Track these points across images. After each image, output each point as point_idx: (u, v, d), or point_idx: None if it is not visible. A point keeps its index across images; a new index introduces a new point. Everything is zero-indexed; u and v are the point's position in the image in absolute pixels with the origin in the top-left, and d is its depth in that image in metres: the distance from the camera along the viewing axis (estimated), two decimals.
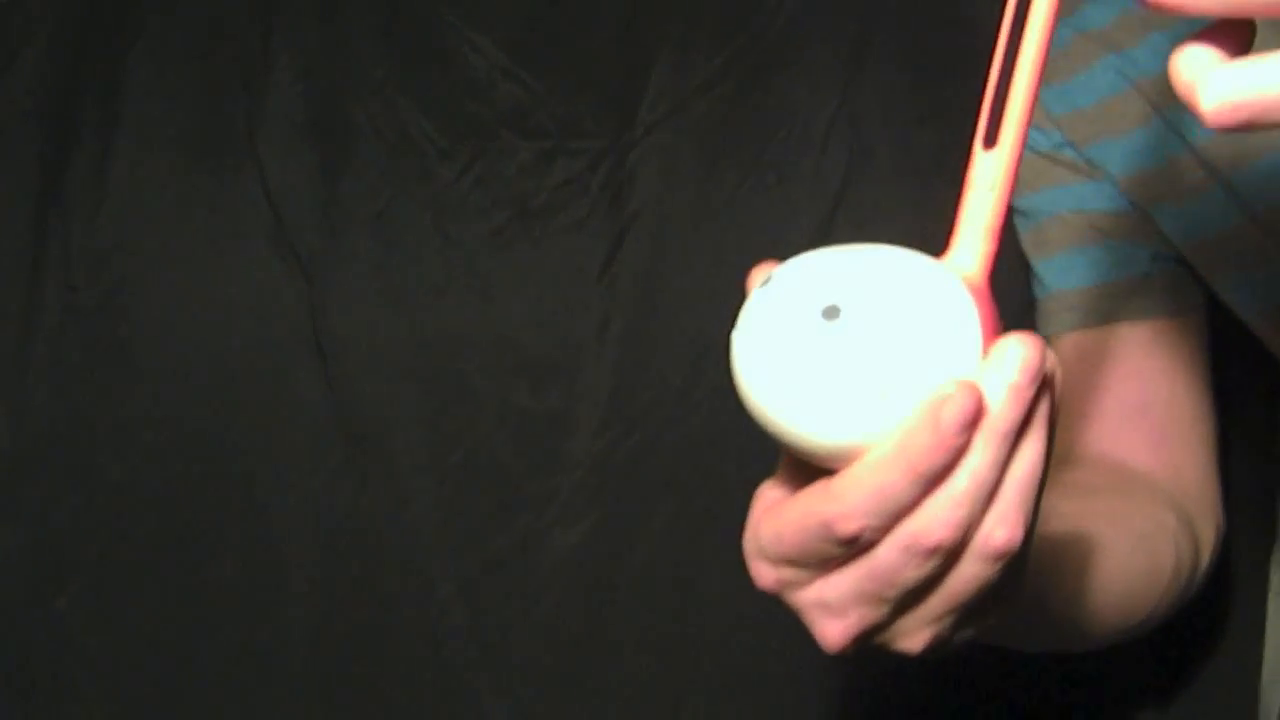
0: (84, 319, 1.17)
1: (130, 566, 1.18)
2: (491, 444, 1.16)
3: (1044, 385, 0.52)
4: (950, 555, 0.53)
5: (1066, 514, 0.83)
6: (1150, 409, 0.94)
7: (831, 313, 0.52)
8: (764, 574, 0.57)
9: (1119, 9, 0.92)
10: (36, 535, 1.18)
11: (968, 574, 0.54)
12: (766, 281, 0.56)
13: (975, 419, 0.50)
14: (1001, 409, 0.51)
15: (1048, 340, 0.98)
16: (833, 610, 0.56)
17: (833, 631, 0.57)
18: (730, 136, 1.16)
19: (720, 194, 1.15)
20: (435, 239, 1.17)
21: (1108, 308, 0.95)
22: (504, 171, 1.16)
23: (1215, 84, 0.46)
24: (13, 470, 1.18)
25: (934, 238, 1.16)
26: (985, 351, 0.53)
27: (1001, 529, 0.53)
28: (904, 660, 0.58)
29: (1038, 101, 0.95)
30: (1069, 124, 0.94)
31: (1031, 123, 0.95)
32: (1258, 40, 0.51)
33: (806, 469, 0.55)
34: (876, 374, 0.51)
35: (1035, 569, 0.73)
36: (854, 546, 0.53)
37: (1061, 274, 0.97)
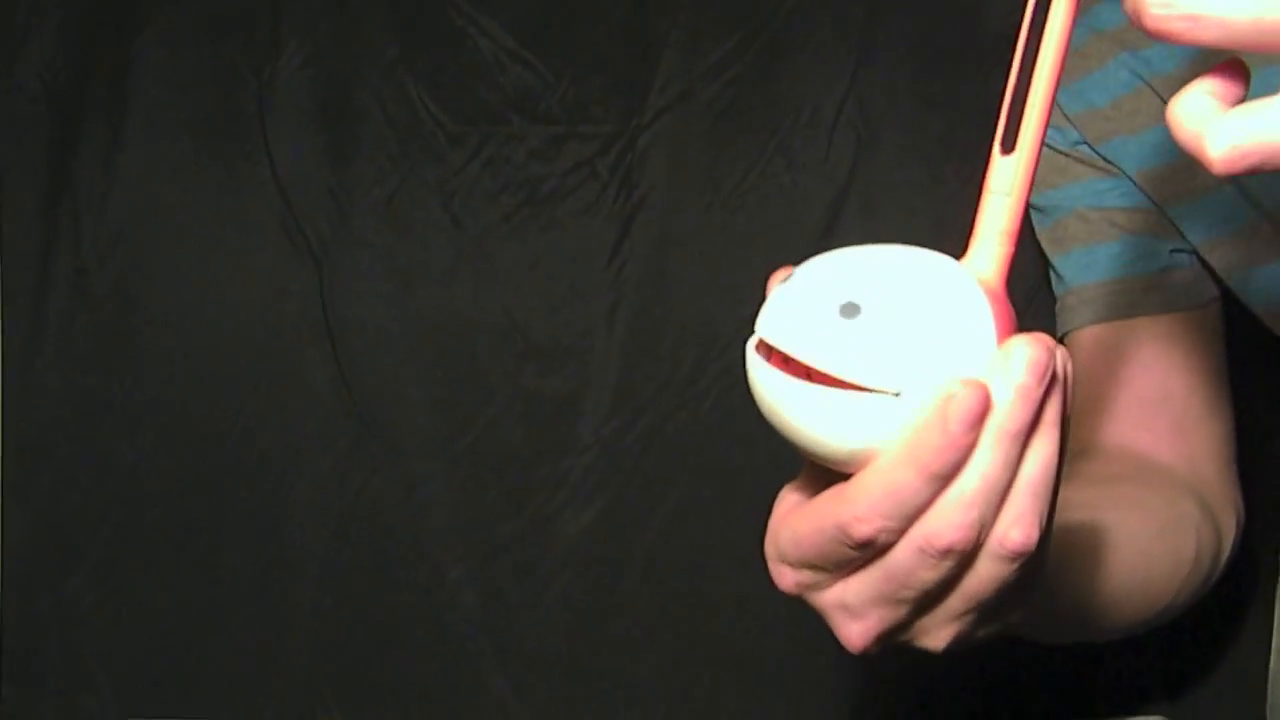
0: (94, 304, 1.18)
1: (140, 550, 1.18)
2: (501, 428, 1.17)
3: (1054, 385, 0.52)
4: (966, 556, 0.53)
5: (1087, 502, 0.83)
6: (1168, 401, 0.94)
7: (849, 310, 0.51)
8: (785, 576, 0.57)
9: None
10: (47, 518, 1.19)
11: (985, 574, 0.54)
12: (784, 281, 0.55)
13: (982, 417, 0.50)
14: (1009, 410, 0.50)
15: (1067, 335, 0.98)
16: (853, 611, 0.56)
17: (854, 632, 0.56)
18: (739, 121, 1.16)
19: (729, 179, 1.15)
20: (444, 223, 1.17)
21: (1126, 302, 0.95)
22: (513, 156, 1.16)
23: (1220, 134, 0.46)
24: (24, 454, 1.18)
25: (942, 221, 1.16)
26: None
27: (1017, 530, 0.52)
28: (926, 656, 0.58)
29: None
30: (1084, 122, 0.94)
31: (1050, 123, 0.95)
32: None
33: (825, 473, 0.54)
34: (890, 377, 0.51)
35: (1056, 560, 0.72)
36: (870, 549, 0.53)
37: (1080, 269, 0.97)
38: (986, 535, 0.52)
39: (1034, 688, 1.17)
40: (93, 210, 1.17)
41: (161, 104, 1.18)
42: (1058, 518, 0.77)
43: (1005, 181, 0.54)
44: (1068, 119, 0.95)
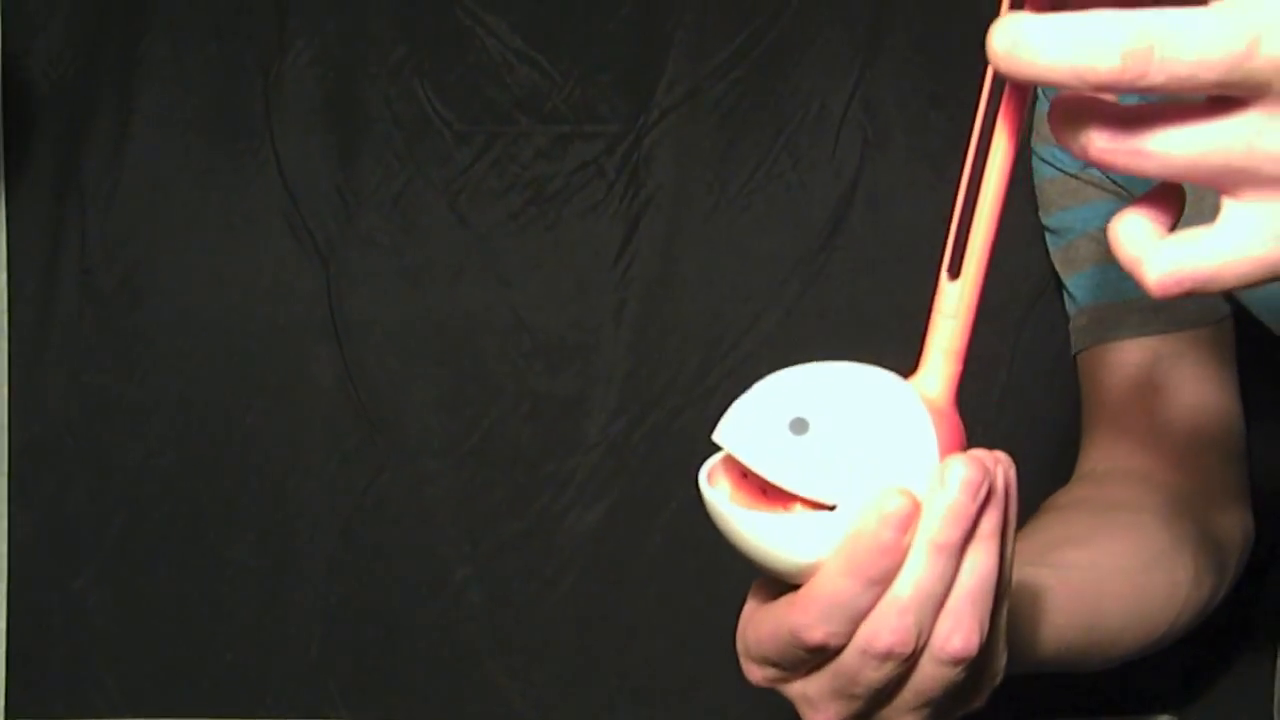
0: (100, 302, 1.18)
1: (146, 547, 1.18)
2: (508, 426, 1.17)
3: (991, 500, 0.55)
4: (910, 658, 0.56)
5: (1083, 537, 0.84)
6: (1178, 418, 0.95)
7: (798, 426, 0.55)
8: (753, 672, 0.62)
9: None
10: (54, 517, 1.19)
11: (931, 675, 0.57)
12: (743, 399, 0.59)
13: (909, 521, 0.53)
14: (940, 524, 0.54)
15: (1080, 354, 0.99)
16: (814, 704, 0.60)
17: None
18: (745, 120, 1.16)
19: (736, 178, 1.15)
20: (451, 222, 1.17)
21: (1137, 320, 0.96)
22: (520, 155, 1.16)
23: (1158, 261, 0.50)
24: (30, 451, 1.18)
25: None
26: None
27: (957, 637, 0.56)
28: None
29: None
30: None
31: (1061, 146, 0.96)
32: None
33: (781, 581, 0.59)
34: (832, 491, 0.54)
35: (1048, 608, 0.76)
36: (823, 652, 0.57)
37: (1092, 289, 0.98)
38: (927, 640, 0.56)
39: (1040, 688, 1.17)
40: (99, 208, 1.17)
41: (168, 102, 1.18)
42: (1051, 557, 0.79)
43: (951, 305, 0.57)
44: None
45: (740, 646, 0.62)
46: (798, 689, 0.60)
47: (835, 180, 1.15)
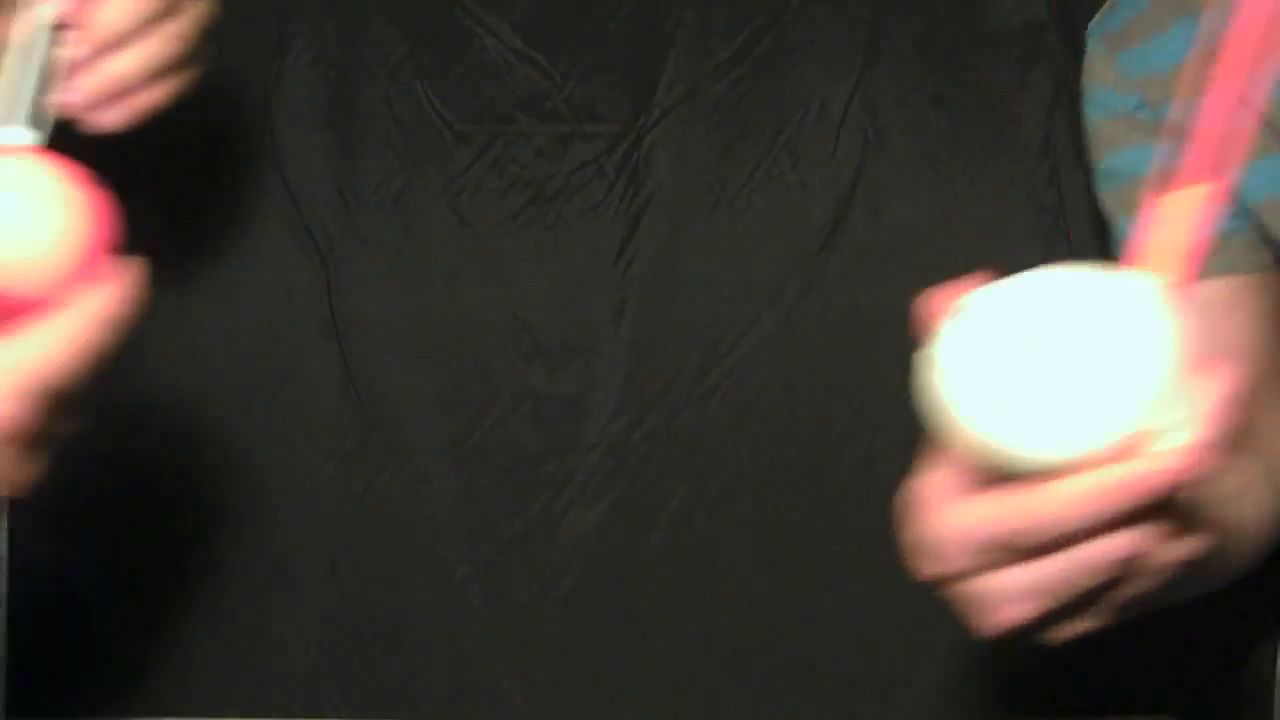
0: None
1: (145, 548, 1.18)
2: (508, 426, 1.17)
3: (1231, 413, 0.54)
4: (1129, 565, 0.56)
5: None
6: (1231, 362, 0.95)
7: (1043, 339, 0.54)
8: (936, 563, 0.58)
9: None
10: (54, 517, 1.19)
11: (1143, 581, 0.57)
12: (971, 303, 0.57)
13: (1176, 479, 0.53)
14: (1191, 452, 0.53)
15: None
16: (1004, 601, 0.58)
17: (999, 618, 0.58)
18: (746, 119, 1.16)
19: (736, 177, 1.15)
20: (451, 222, 1.17)
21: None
22: (520, 155, 1.16)
23: None
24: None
25: (949, 220, 1.16)
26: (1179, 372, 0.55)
27: (1183, 542, 0.56)
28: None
29: (1115, 66, 0.96)
30: (1145, 87, 0.95)
31: (1112, 87, 0.96)
32: None
33: (980, 469, 0.56)
34: (1085, 397, 0.53)
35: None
36: (1046, 550, 0.55)
37: None
38: (1152, 546, 0.56)
39: (1043, 688, 1.17)
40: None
41: (168, 102, 1.18)
42: None
43: (1183, 208, 0.56)
44: (1130, 83, 0.96)
45: (920, 536, 0.59)
46: (985, 584, 0.58)
47: (835, 180, 1.15)
